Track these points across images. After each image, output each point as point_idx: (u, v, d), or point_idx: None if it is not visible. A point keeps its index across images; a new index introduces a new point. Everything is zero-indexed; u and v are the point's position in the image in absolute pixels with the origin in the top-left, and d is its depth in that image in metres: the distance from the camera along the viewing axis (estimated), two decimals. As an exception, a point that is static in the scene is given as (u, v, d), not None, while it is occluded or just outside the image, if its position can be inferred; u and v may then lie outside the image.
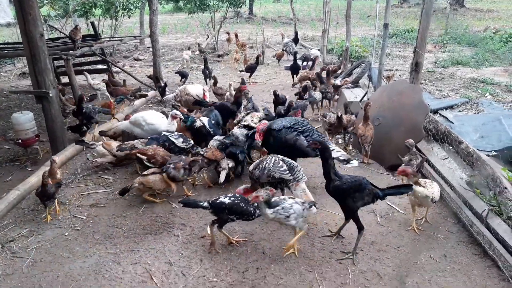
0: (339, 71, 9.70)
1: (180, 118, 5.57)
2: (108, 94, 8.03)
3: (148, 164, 4.66)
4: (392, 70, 10.12)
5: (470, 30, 17.61)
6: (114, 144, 5.37)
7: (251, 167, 4.38)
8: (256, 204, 3.62)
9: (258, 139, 4.92)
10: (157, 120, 5.73)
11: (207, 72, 9.91)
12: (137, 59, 14.08)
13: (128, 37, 11.78)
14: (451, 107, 7.77)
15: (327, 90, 7.55)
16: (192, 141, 5.30)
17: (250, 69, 10.39)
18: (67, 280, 3.40)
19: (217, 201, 3.66)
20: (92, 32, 11.33)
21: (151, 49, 10.98)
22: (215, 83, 8.42)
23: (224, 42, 15.88)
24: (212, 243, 3.79)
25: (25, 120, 6.08)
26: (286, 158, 4.34)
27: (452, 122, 6.69)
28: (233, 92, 7.10)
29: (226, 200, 3.64)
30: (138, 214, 4.38)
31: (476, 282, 3.35)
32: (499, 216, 3.76)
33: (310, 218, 4.26)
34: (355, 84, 8.59)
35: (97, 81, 8.38)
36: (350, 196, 3.51)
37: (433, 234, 3.99)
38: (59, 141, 5.77)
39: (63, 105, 6.83)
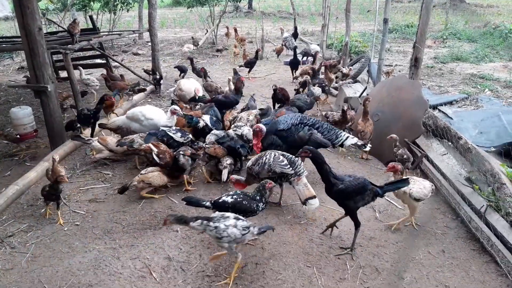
0: (339, 65, 9.68)
1: (183, 116, 5.58)
2: (95, 87, 8.18)
3: (155, 157, 4.62)
4: (392, 66, 10.11)
5: (470, 25, 17.57)
6: (110, 139, 5.34)
7: (249, 163, 4.37)
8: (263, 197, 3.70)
9: (257, 148, 4.82)
10: (156, 115, 5.71)
11: (196, 72, 9.46)
12: (135, 54, 14.05)
13: (126, 31, 11.73)
14: (450, 103, 7.77)
15: (323, 83, 7.77)
16: (190, 136, 5.31)
17: (250, 64, 10.36)
18: (67, 275, 3.41)
19: (220, 201, 3.64)
20: (90, 26, 11.29)
21: (150, 44, 10.95)
22: (205, 78, 8.26)
23: (223, 36, 15.83)
24: None
25: (24, 114, 6.06)
26: (285, 153, 4.34)
27: (451, 118, 6.69)
28: (232, 87, 7.13)
29: (229, 199, 3.62)
30: (137, 209, 4.38)
31: (474, 278, 3.36)
32: (498, 212, 3.77)
33: (309, 213, 4.28)
34: (355, 79, 8.58)
35: (88, 75, 8.40)
36: (352, 198, 3.50)
37: (431, 229, 4.01)
38: (58, 136, 5.76)
39: (62, 100, 6.81)
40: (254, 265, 3.51)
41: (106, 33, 11.04)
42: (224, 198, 3.66)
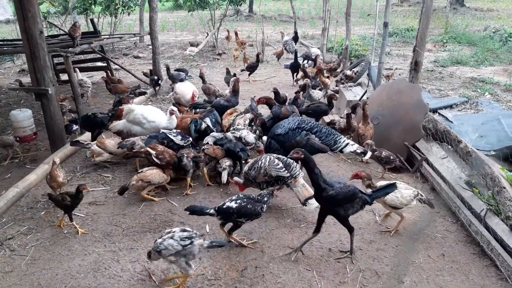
0: (345, 70, 9.70)
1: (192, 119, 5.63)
2: (87, 89, 8.31)
3: (155, 159, 4.64)
4: (392, 69, 10.11)
5: (470, 29, 17.61)
6: (108, 141, 5.34)
7: (246, 167, 4.38)
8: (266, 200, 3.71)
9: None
10: (157, 117, 5.72)
11: (171, 79, 9.00)
12: (136, 57, 14.07)
13: (127, 35, 11.76)
14: (450, 107, 7.77)
15: (317, 84, 8.03)
16: (190, 139, 5.32)
17: (251, 68, 10.37)
18: (66, 277, 3.41)
19: (224, 207, 3.59)
20: (91, 29, 11.32)
21: (150, 47, 10.97)
22: (203, 81, 8.32)
23: (223, 40, 15.86)
24: (242, 245, 3.79)
25: (24, 117, 6.08)
26: (281, 156, 4.34)
27: (451, 122, 6.69)
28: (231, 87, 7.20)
29: (233, 204, 3.59)
30: (137, 212, 4.38)
31: (474, 281, 3.36)
32: (498, 215, 3.77)
33: (309, 213, 4.28)
34: (355, 82, 8.59)
35: (82, 77, 8.45)
36: (342, 205, 3.45)
37: (431, 233, 4.00)
38: (58, 138, 5.76)
39: (60, 104, 6.82)
40: (254, 268, 3.51)
41: (107, 36, 11.08)
42: (228, 203, 3.61)
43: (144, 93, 8.66)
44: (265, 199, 3.71)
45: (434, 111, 7.28)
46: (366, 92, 7.24)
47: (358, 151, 4.79)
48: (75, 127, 6.27)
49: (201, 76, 8.32)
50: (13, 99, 9.13)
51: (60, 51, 6.79)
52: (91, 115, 5.82)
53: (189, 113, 6.52)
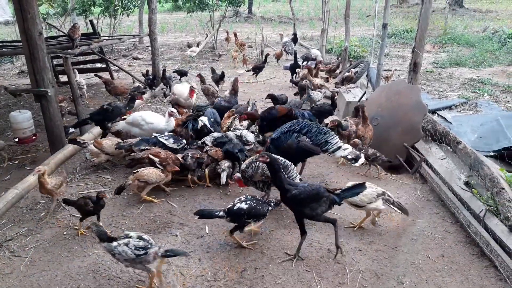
0: (337, 71, 9.72)
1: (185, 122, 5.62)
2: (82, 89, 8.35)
3: (159, 166, 4.65)
4: (391, 70, 10.13)
5: (469, 30, 17.64)
6: (105, 142, 5.30)
7: (243, 165, 4.40)
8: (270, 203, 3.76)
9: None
10: (156, 119, 5.73)
11: (165, 81, 9.17)
12: (136, 58, 14.08)
13: (127, 36, 11.77)
14: (450, 108, 7.78)
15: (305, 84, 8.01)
16: (184, 141, 5.31)
17: (258, 69, 10.38)
18: (66, 279, 3.40)
19: (235, 208, 3.64)
20: (91, 30, 11.32)
21: (150, 48, 10.98)
22: (203, 82, 8.36)
23: (223, 41, 15.88)
24: (241, 246, 3.80)
25: (23, 119, 6.10)
26: (278, 157, 4.31)
27: (450, 123, 6.70)
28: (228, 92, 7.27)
29: (244, 206, 3.64)
30: (136, 214, 4.38)
31: (473, 282, 3.36)
32: (497, 216, 3.77)
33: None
34: (354, 83, 8.60)
35: (79, 78, 8.48)
36: (307, 204, 3.42)
37: (430, 234, 4.01)
38: (58, 140, 5.76)
39: (59, 105, 6.83)
40: (253, 269, 3.51)
41: (107, 38, 11.08)
42: (238, 205, 3.65)
43: (143, 94, 8.66)
44: (270, 200, 3.76)
45: (433, 112, 7.29)
46: (365, 93, 7.25)
47: (349, 157, 4.59)
48: (71, 130, 6.28)
49: (201, 77, 8.35)
50: (13, 100, 9.12)
51: (59, 53, 6.79)
52: (108, 106, 5.94)
53: (186, 114, 6.52)
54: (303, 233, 3.56)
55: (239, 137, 5.27)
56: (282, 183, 3.44)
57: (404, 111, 5.56)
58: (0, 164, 5.71)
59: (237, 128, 5.49)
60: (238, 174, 4.46)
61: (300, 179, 4.83)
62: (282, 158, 4.28)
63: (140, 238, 3.17)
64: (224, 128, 5.98)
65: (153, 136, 5.27)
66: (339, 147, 4.63)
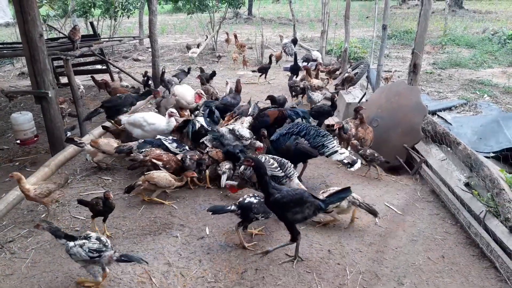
0: (337, 72, 9.73)
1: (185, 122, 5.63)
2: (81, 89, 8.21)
3: (162, 169, 4.67)
4: (391, 71, 10.15)
5: (469, 31, 17.66)
6: (101, 140, 5.29)
7: (242, 167, 4.41)
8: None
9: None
10: (157, 119, 5.74)
11: (164, 84, 9.04)
12: (136, 60, 14.09)
13: (127, 38, 11.80)
14: (449, 109, 7.79)
15: (296, 85, 8.23)
16: (186, 147, 5.31)
17: (264, 70, 10.39)
18: (66, 280, 3.41)
19: (245, 202, 3.74)
20: (91, 32, 11.34)
21: (150, 50, 10.99)
22: (203, 83, 8.39)
23: (223, 42, 15.89)
24: (243, 247, 3.80)
25: (24, 120, 6.11)
26: (276, 156, 4.39)
27: (450, 124, 6.71)
28: (228, 91, 7.40)
29: (253, 200, 3.75)
30: (137, 215, 4.39)
31: (473, 283, 3.37)
32: (497, 217, 3.77)
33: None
34: (354, 84, 8.61)
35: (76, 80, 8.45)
36: (290, 209, 3.39)
37: (431, 235, 4.01)
38: (58, 141, 5.77)
39: (60, 107, 6.84)
40: (254, 270, 3.51)
41: (107, 39, 11.10)
42: (248, 199, 3.77)
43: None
44: None
45: (433, 113, 7.29)
46: (365, 94, 7.26)
47: (345, 161, 4.60)
48: (69, 133, 6.29)
49: (201, 79, 8.40)
50: (13, 102, 9.12)
51: (60, 54, 6.80)
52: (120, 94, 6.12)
53: (187, 116, 6.52)
54: (297, 234, 3.51)
55: (232, 131, 5.24)
56: (266, 187, 3.42)
57: (404, 112, 5.57)
58: (1, 165, 5.72)
59: (230, 123, 5.49)
60: (230, 182, 4.51)
61: (300, 180, 4.86)
62: (277, 157, 4.34)
63: (98, 239, 3.21)
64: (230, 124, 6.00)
65: (157, 138, 5.28)
66: (336, 151, 4.65)
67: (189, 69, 10.08)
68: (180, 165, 4.79)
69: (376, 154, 5.14)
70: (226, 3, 16.67)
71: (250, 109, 6.44)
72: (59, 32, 12.07)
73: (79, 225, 4.21)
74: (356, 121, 5.80)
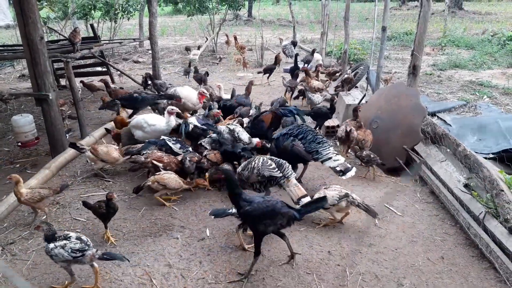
0: (337, 74, 9.74)
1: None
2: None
3: (163, 171, 4.68)
4: (391, 73, 10.17)
5: (468, 32, 17.69)
6: (101, 149, 5.19)
7: (239, 168, 4.44)
8: None
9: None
10: (157, 120, 5.77)
11: (156, 88, 8.95)
12: (136, 62, 14.11)
13: (127, 40, 11.82)
14: (449, 110, 7.81)
15: (289, 85, 8.42)
16: (190, 148, 5.32)
17: (269, 70, 10.43)
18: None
19: None
20: (91, 34, 11.37)
21: (150, 51, 11.02)
22: (204, 83, 8.48)
23: (223, 44, 15.92)
24: (243, 248, 3.82)
25: (25, 122, 6.12)
26: (273, 157, 4.42)
27: (450, 125, 6.73)
28: (224, 95, 7.49)
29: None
30: (137, 217, 4.40)
31: (473, 284, 3.38)
32: (496, 218, 3.78)
33: (308, 219, 4.30)
34: (353, 86, 8.62)
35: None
36: (261, 221, 3.32)
37: (430, 236, 4.02)
38: (59, 143, 5.79)
39: (60, 109, 6.85)
40: (254, 271, 3.52)
41: (107, 42, 11.13)
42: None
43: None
44: None
45: (433, 114, 7.31)
46: (365, 96, 7.28)
47: (338, 168, 4.58)
48: (67, 136, 6.31)
49: (197, 78, 8.49)
50: (14, 104, 9.14)
51: (60, 57, 6.83)
52: (138, 95, 6.14)
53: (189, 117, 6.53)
54: (257, 253, 3.41)
55: (231, 132, 5.23)
56: (236, 200, 3.38)
57: (403, 113, 5.58)
58: (1, 167, 5.73)
59: (230, 124, 5.48)
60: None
61: (300, 181, 4.88)
62: (275, 158, 4.38)
63: (78, 238, 3.23)
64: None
65: (161, 138, 5.30)
66: (330, 158, 4.66)
67: (206, 73, 10.12)
68: (180, 167, 4.81)
69: (372, 156, 5.16)
70: (226, 5, 16.72)
71: (251, 111, 6.46)
72: (60, 34, 12.10)
73: (80, 227, 4.22)
74: (354, 122, 5.84)
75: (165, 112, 5.72)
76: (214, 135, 5.45)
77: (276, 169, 4.20)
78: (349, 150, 5.65)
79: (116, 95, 7.93)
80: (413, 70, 5.92)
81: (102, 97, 7.68)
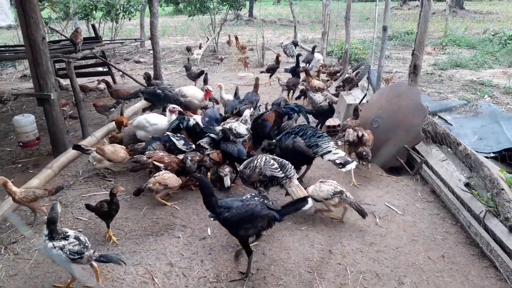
0: (338, 74, 9.76)
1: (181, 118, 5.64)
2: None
3: (164, 171, 4.70)
4: (391, 72, 10.18)
5: (469, 32, 17.68)
6: (108, 148, 5.24)
7: (241, 166, 4.46)
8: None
9: None
10: (159, 119, 5.80)
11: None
12: (137, 62, 14.15)
13: (128, 40, 11.85)
14: (450, 109, 7.80)
15: (284, 85, 8.57)
16: (193, 146, 5.34)
17: (272, 70, 10.46)
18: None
19: None
20: (93, 34, 11.40)
21: (151, 52, 11.05)
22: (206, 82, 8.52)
23: (224, 44, 15.94)
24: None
25: (27, 122, 6.15)
26: (276, 157, 4.41)
27: (451, 124, 6.74)
28: (224, 95, 7.50)
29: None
30: (139, 216, 4.42)
31: (473, 283, 3.39)
32: (497, 217, 3.79)
33: (309, 218, 4.31)
34: (355, 85, 8.64)
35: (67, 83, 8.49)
36: (240, 226, 3.28)
37: (431, 235, 4.03)
38: (61, 143, 5.81)
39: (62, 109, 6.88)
40: (255, 270, 3.54)
41: (108, 42, 11.16)
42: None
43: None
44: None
45: (434, 114, 7.32)
46: (365, 95, 7.29)
47: (337, 161, 4.58)
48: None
49: (190, 76, 8.54)
50: (15, 104, 9.18)
51: (62, 57, 6.85)
52: (161, 92, 6.28)
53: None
54: (249, 253, 3.41)
55: (230, 130, 5.24)
56: (212, 207, 3.33)
57: (404, 113, 5.59)
58: (4, 167, 5.76)
59: (226, 122, 5.49)
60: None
61: (301, 181, 4.89)
62: (278, 158, 4.38)
63: (77, 238, 3.22)
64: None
65: (165, 134, 5.33)
66: (329, 151, 4.67)
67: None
68: (181, 167, 4.83)
69: (364, 153, 5.20)
70: (227, 5, 16.74)
71: (251, 109, 6.48)
72: (61, 34, 12.13)
73: (82, 226, 4.24)
74: (356, 121, 5.86)
75: (167, 111, 5.74)
76: (213, 135, 5.45)
77: (279, 169, 4.20)
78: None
79: (118, 95, 7.97)
80: (414, 69, 5.93)
81: (93, 102, 7.64)
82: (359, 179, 5.17)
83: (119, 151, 5.24)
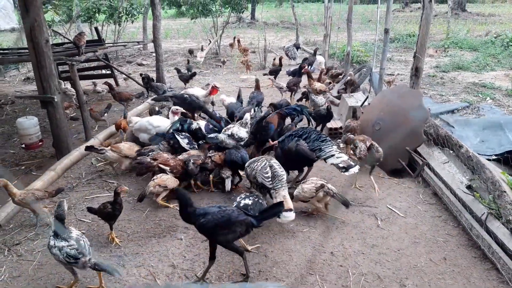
0: (340, 77, 9.77)
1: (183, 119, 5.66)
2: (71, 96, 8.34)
3: (170, 174, 4.73)
4: (393, 75, 10.18)
5: (472, 34, 17.67)
6: (122, 145, 5.32)
7: (247, 163, 4.53)
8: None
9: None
10: (162, 122, 5.81)
11: (153, 90, 9.01)
12: (140, 64, 14.21)
13: (131, 42, 11.90)
14: (452, 112, 7.81)
15: (280, 87, 8.80)
16: (196, 146, 5.36)
17: (274, 72, 10.49)
18: (73, 282, 3.46)
19: (241, 205, 3.80)
20: (95, 37, 11.46)
21: (154, 54, 11.10)
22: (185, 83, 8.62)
23: (226, 47, 15.99)
24: (245, 249, 3.83)
25: (30, 125, 6.19)
26: (275, 165, 4.33)
27: (453, 127, 6.74)
28: (225, 97, 7.43)
29: (248, 201, 3.85)
30: (142, 218, 4.44)
31: (475, 285, 3.39)
32: (498, 219, 3.79)
33: (311, 220, 4.32)
34: (356, 88, 8.64)
35: (69, 86, 8.45)
36: (217, 232, 3.26)
37: (433, 237, 4.04)
38: (64, 146, 5.84)
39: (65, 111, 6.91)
40: (257, 272, 3.55)
41: (111, 44, 11.21)
42: (243, 201, 3.87)
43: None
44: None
45: (436, 116, 7.32)
46: (367, 98, 7.30)
47: (340, 165, 4.57)
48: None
49: (182, 78, 8.61)
50: (19, 107, 9.24)
51: (65, 60, 6.90)
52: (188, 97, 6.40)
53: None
54: (212, 258, 3.39)
55: (232, 136, 5.22)
56: (188, 215, 3.34)
57: (406, 115, 5.59)
58: (7, 169, 5.79)
59: (227, 128, 5.49)
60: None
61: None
62: (276, 167, 4.30)
63: (77, 241, 3.21)
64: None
65: (170, 132, 5.37)
66: (332, 155, 4.65)
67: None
68: (184, 169, 4.85)
69: (361, 151, 5.19)
70: (229, 8, 16.79)
71: (252, 112, 6.48)
72: (64, 37, 12.20)
73: (85, 228, 4.26)
74: (357, 121, 5.90)
75: (170, 113, 5.76)
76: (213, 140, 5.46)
77: (269, 179, 4.16)
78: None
79: (120, 98, 8.01)
80: (416, 72, 5.94)
81: (90, 108, 7.65)
82: (359, 182, 5.18)
83: (134, 146, 5.34)
